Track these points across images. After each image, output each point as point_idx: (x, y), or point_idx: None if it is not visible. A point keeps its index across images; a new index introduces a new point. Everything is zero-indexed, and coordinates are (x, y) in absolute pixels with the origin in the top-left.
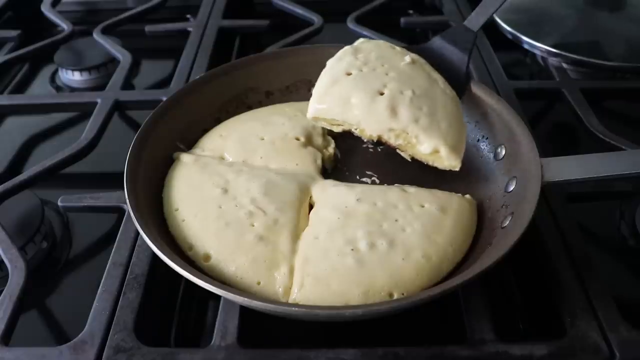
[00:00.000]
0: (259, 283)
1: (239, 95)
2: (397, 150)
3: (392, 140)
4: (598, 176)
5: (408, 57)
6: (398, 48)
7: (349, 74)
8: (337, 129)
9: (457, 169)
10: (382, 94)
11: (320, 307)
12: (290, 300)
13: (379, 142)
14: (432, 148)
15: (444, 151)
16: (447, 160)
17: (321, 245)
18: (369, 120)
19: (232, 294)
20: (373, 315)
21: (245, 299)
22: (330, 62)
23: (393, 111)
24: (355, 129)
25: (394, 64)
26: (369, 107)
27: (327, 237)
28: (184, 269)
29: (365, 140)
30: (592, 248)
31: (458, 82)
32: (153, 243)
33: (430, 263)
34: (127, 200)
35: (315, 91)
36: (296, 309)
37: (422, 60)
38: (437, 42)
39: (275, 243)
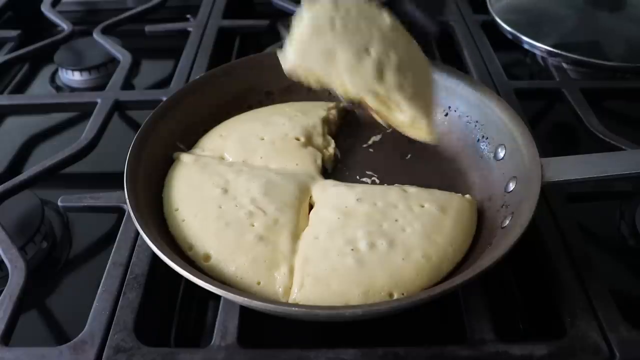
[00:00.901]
0: (259, 283)
1: (239, 95)
2: (373, 114)
3: (373, 104)
4: (598, 176)
5: (388, 19)
6: (375, 7)
7: (333, 27)
8: (314, 85)
9: (436, 142)
10: (368, 53)
11: (320, 307)
12: (290, 300)
13: (357, 104)
14: (411, 118)
15: (425, 124)
16: (426, 134)
17: (321, 245)
18: (354, 79)
19: (232, 294)
20: (373, 315)
21: (245, 299)
22: (307, 6)
23: (380, 73)
24: (336, 87)
25: (377, 24)
26: (356, 66)
27: (327, 237)
28: (184, 269)
29: (344, 103)
30: (592, 248)
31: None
32: (153, 243)
33: (430, 263)
34: (127, 200)
35: (295, 39)
36: (296, 309)
37: (400, 26)
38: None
39: (275, 243)
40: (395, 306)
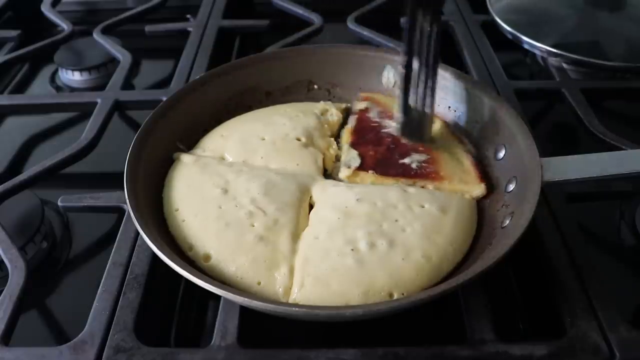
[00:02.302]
0: (259, 283)
1: (239, 95)
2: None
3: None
4: (598, 176)
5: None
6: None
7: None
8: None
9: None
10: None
11: (320, 307)
12: (290, 300)
13: None
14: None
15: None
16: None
17: (321, 245)
18: None
19: (232, 294)
20: (373, 315)
21: (245, 299)
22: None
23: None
24: None
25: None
26: None
27: (327, 237)
28: (184, 269)
29: None
30: (592, 248)
31: None
32: (153, 243)
33: (431, 263)
34: (127, 201)
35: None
36: (296, 309)
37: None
38: None
39: (275, 243)
40: (395, 306)
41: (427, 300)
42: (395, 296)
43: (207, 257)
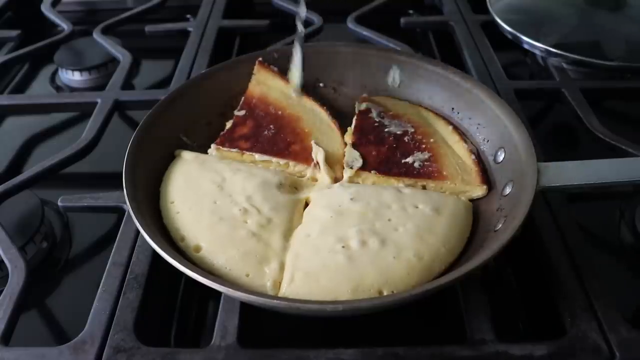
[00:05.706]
0: (247, 275)
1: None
2: None
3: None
4: (595, 183)
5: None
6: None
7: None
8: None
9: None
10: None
11: (302, 301)
12: (279, 295)
13: None
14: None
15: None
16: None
17: (313, 242)
18: None
19: (211, 282)
20: (355, 312)
21: (228, 288)
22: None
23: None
24: None
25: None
26: None
27: (319, 235)
28: (174, 258)
29: None
30: (592, 248)
31: None
32: (144, 230)
33: (422, 262)
34: (125, 191)
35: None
36: (277, 301)
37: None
38: None
39: (267, 240)
40: (377, 304)
41: (411, 299)
42: (385, 294)
43: (198, 249)
